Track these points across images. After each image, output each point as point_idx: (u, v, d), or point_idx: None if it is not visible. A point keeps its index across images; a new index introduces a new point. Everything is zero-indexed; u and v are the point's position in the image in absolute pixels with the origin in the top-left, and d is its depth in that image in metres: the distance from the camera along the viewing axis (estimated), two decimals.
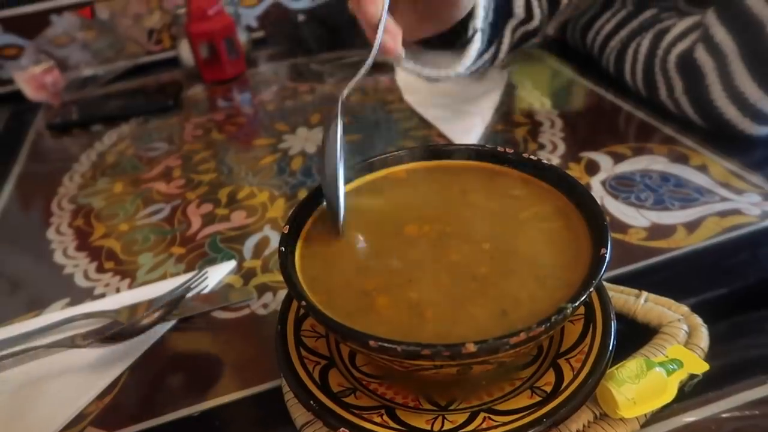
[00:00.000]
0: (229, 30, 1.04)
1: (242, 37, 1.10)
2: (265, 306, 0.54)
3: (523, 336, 0.30)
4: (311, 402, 0.36)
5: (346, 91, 0.42)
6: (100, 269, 0.62)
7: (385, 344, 0.30)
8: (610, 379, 0.37)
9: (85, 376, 0.48)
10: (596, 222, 0.37)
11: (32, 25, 1.06)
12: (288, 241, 0.38)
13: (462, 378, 0.36)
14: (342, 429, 0.34)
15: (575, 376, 0.36)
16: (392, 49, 0.45)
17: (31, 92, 1.03)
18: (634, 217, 0.57)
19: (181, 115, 0.97)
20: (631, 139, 0.72)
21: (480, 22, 0.57)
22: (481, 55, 0.65)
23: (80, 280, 0.61)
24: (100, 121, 0.98)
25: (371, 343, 0.30)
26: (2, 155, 0.92)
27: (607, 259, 0.34)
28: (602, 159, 0.68)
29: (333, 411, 0.35)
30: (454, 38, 0.59)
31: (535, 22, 0.72)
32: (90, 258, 0.64)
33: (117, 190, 0.77)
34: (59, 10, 1.07)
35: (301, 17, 1.10)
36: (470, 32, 0.58)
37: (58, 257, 0.65)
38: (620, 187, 0.62)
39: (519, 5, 0.69)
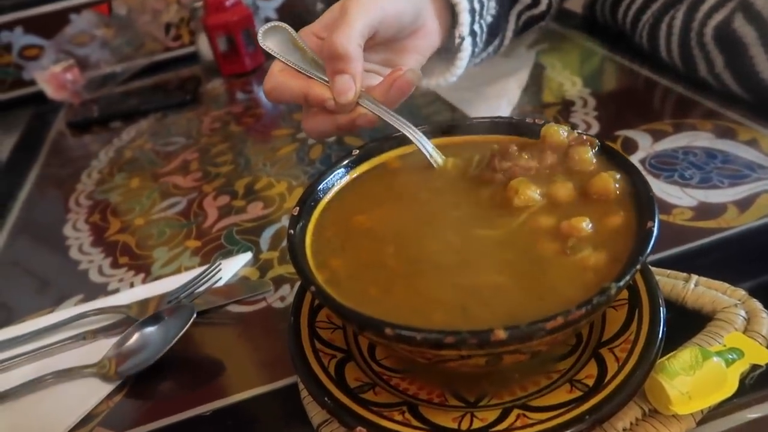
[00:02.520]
0: (247, 22, 1.02)
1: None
2: (282, 299, 0.51)
3: (560, 320, 0.26)
4: (326, 399, 0.33)
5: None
6: (115, 264, 0.60)
7: (403, 332, 0.27)
8: (661, 371, 0.33)
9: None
10: (641, 194, 0.33)
11: (52, 25, 1.06)
12: (298, 224, 0.35)
13: (492, 370, 0.32)
14: (359, 428, 0.31)
15: (621, 368, 0.32)
16: (407, 85, 0.42)
17: (52, 92, 1.03)
18: (679, 197, 0.53)
19: (199, 110, 0.95)
20: (671, 115, 0.67)
21: (466, 28, 0.53)
22: (483, 50, 0.61)
23: (95, 276, 0.59)
24: (120, 118, 0.97)
25: (387, 331, 0.27)
26: (24, 154, 0.92)
27: (654, 233, 0.30)
28: (640, 137, 0.63)
29: (349, 408, 0.32)
30: (446, 44, 0.56)
31: (542, 6, 0.68)
32: (105, 253, 0.62)
33: (134, 185, 0.76)
34: (78, 9, 1.07)
35: (320, 6, 1.07)
36: (457, 40, 0.54)
37: (74, 253, 0.63)
38: (662, 165, 0.57)
39: None
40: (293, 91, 0.43)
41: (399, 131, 0.42)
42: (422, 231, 0.35)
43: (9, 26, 1.09)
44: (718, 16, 0.63)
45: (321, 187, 0.39)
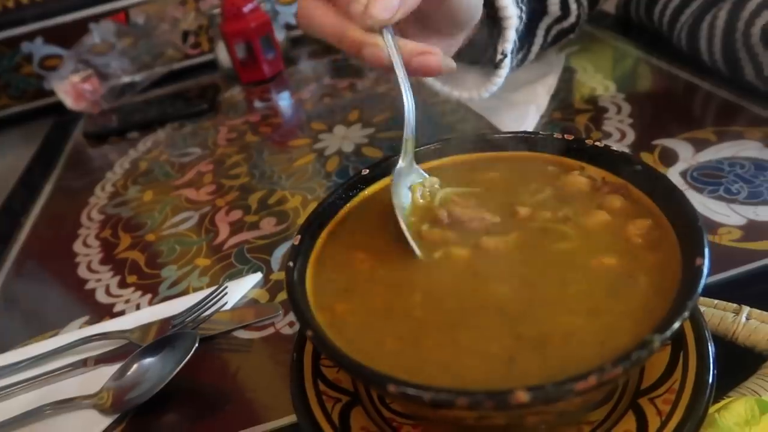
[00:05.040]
0: (266, 28, 0.99)
1: (280, 36, 1.06)
2: (291, 324, 0.48)
3: (592, 380, 0.22)
4: None
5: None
6: (123, 284, 0.58)
7: (409, 390, 0.23)
8: (711, 426, 0.28)
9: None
10: (686, 223, 0.28)
11: (71, 35, 1.06)
12: (298, 255, 0.32)
13: (514, 424, 0.29)
14: None
15: (664, 423, 0.28)
16: (436, 66, 0.37)
17: (71, 102, 1.02)
18: (725, 214, 0.48)
19: (216, 119, 0.93)
20: (714, 122, 0.61)
21: (510, 45, 0.50)
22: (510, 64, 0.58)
23: (101, 296, 0.57)
24: (138, 128, 0.95)
25: (391, 388, 0.23)
26: (41, 166, 0.91)
27: (704, 273, 0.25)
28: (680, 146, 0.58)
29: None
30: (480, 54, 0.52)
31: (572, 18, 0.64)
32: (113, 272, 0.60)
33: (146, 198, 0.74)
34: (96, 18, 1.06)
35: None
36: (499, 56, 0.50)
37: (82, 271, 0.61)
38: (704, 178, 0.53)
39: (554, 2, 0.61)
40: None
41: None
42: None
43: (29, 37, 1.09)
44: (767, 15, 0.58)
45: (326, 211, 0.35)
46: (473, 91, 0.54)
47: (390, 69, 0.35)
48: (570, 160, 0.36)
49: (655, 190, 0.32)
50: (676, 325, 0.23)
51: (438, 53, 0.36)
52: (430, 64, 0.36)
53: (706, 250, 0.26)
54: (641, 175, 0.33)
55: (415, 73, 0.36)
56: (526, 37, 0.58)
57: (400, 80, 0.35)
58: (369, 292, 0.31)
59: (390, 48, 0.34)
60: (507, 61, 0.51)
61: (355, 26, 0.35)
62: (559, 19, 0.63)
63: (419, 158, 0.38)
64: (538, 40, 0.62)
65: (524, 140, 0.39)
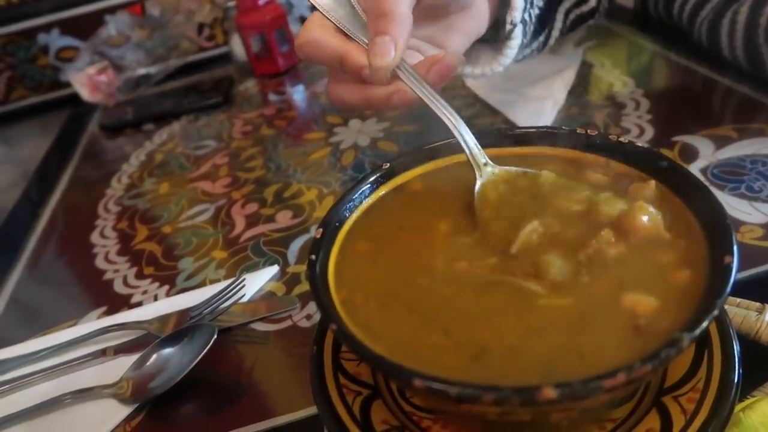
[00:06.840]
0: (281, 20, 0.99)
1: (294, 28, 1.05)
2: (308, 317, 0.48)
3: (621, 378, 0.22)
4: None
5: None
6: (140, 275, 0.58)
7: (434, 385, 0.23)
8: (735, 426, 0.28)
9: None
10: (713, 220, 0.28)
11: (87, 26, 1.06)
12: (320, 248, 0.32)
13: (537, 420, 0.28)
14: None
15: (689, 422, 0.27)
16: (449, 67, 0.37)
17: (87, 94, 1.02)
18: (747, 212, 0.47)
19: (231, 111, 0.93)
20: (734, 118, 0.61)
21: (519, 14, 0.49)
22: (528, 45, 0.57)
23: (119, 287, 0.57)
24: (153, 120, 0.96)
25: (416, 382, 0.23)
26: (57, 158, 0.92)
27: (733, 271, 0.25)
28: (701, 143, 0.57)
29: None
30: (494, 32, 0.52)
31: (591, 3, 0.63)
32: (131, 263, 0.60)
33: (163, 190, 0.74)
34: (113, 10, 1.07)
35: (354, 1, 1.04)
36: (508, 27, 0.50)
37: (100, 262, 0.62)
38: (726, 176, 0.52)
39: None
40: (330, 50, 0.38)
41: (435, 143, 0.38)
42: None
43: (46, 28, 1.09)
44: None
45: (347, 204, 0.35)
46: (486, 67, 0.54)
47: (422, 101, 0.36)
48: (593, 155, 0.36)
49: (680, 185, 0.31)
50: (705, 323, 0.23)
51: (444, 54, 0.37)
52: (442, 72, 0.37)
53: (735, 248, 0.26)
54: (667, 172, 0.32)
55: (436, 83, 0.37)
56: (546, 17, 0.57)
57: (438, 111, 0.35)
58: (392, 286, 0.31)
59: (414, 84, 0.36)
60: (518, 32, 0.50)
61: (374, 87, 0.38)
62: (577, 3, 0.62)
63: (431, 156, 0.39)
64: (558, 24, 0.61)
65: (543, 135, 0.38)
